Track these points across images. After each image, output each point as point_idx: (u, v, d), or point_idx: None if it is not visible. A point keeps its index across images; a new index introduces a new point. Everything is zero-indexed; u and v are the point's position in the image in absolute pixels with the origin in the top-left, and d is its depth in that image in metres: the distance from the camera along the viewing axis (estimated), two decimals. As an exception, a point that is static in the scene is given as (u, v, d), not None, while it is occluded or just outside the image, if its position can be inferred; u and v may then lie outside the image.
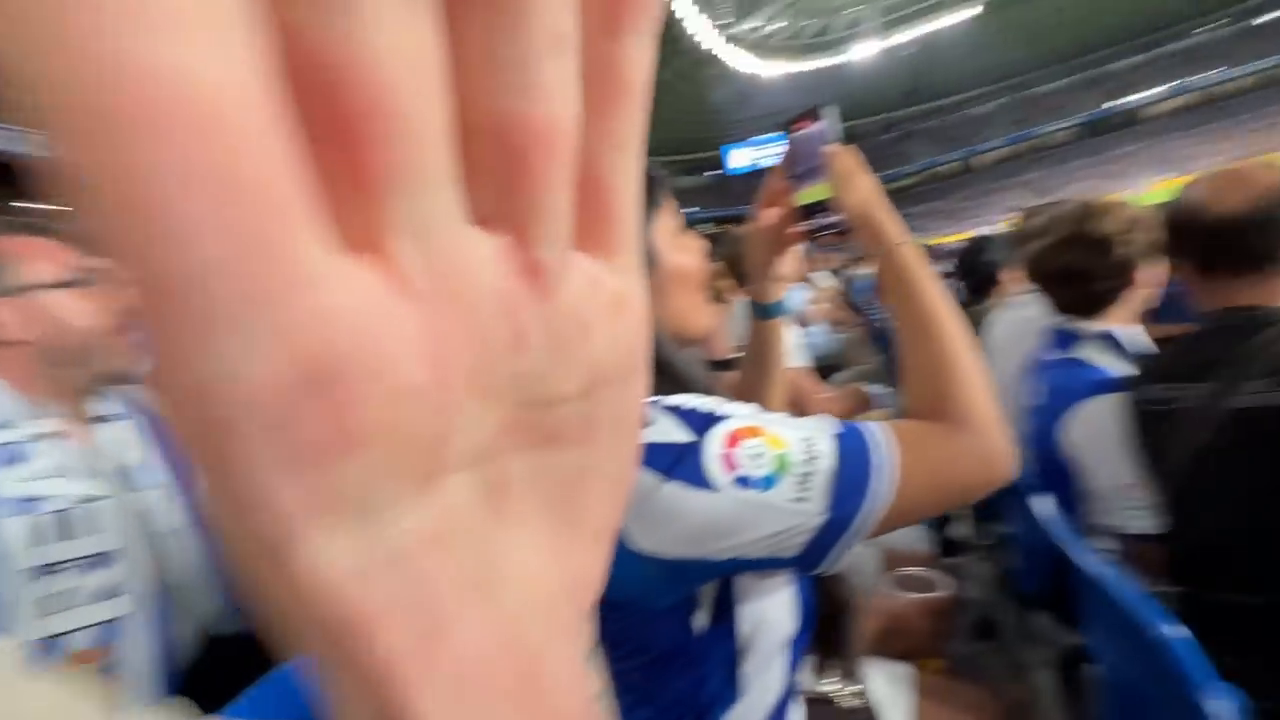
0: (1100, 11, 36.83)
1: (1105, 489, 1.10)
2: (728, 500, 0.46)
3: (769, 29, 30.93)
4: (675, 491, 0.46)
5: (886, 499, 0.47)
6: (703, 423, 0.48)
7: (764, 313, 0.78)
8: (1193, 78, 36.03)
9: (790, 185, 0.69)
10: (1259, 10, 34.51)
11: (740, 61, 31.65)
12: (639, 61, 0.10)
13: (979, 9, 33.50)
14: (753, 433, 0.48)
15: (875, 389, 2.40)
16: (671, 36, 27.96)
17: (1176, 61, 38.44)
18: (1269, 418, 0.81)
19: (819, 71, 35.80)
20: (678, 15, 26.77)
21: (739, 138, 42.91)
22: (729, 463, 0.46)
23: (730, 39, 29.63)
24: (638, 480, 0.46)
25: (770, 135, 40.90)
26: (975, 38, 37.59)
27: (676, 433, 0.48)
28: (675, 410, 0.49)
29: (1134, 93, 38.31)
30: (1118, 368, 1.11)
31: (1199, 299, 0.93)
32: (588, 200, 0.10)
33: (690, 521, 0.46)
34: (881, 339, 3.44)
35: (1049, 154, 40.03)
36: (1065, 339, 1.20)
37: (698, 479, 0.46)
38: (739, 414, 0.50)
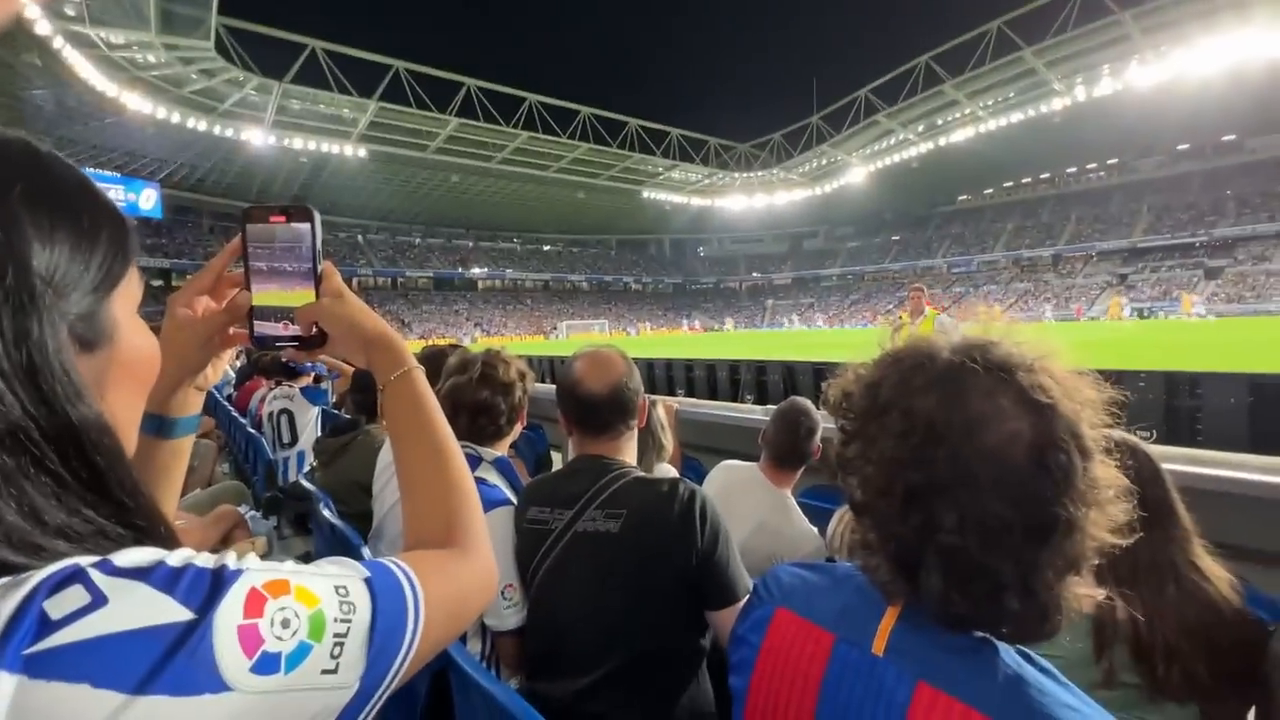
0: (458, 203, 47.57)
1: (487, 595, 1.27)
2: (241, 703, 0.31)
3: (138, 55, 25.44)
4: (153, 712, 0.29)
5: (418, 648, 0.43)
6: (206, 587, 0.33)
7: (168, 429, 0.60)
8: (508, 270, 53.26)
9: (242, 279, 0.59)
10: (544, 241, 57.09)
11: (84, 69, 24.48)
12: None
13: (364, 153, 36.91)
14: (279, 589, 0.35)
15: (247, 511, 2.05)
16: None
17: (498, 256, 54.35)
18: (597, 539, 1.13)
19: (202, 134, 31.39)
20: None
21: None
22: (250, 641, 0.33)
23: (72, 37, 22.75)
24: (75, 709, 0.28)
25: (107, 175, 32.23)
26: (363, 176, 41.39)
27: (160, 611, 0.31)
28: (150, 574, 0.32)
29: (472, 268, 51.37)
30: (506, 489, 1.36)
31: (572, 446, 1.27)
32: None
33: None
34: (254, 450, 3.02)
35: (411, 293, 47.31)
36: (471, 461, 1.38)
37: (199, 681, 0.30)
38: (253, 565, 0.36)
